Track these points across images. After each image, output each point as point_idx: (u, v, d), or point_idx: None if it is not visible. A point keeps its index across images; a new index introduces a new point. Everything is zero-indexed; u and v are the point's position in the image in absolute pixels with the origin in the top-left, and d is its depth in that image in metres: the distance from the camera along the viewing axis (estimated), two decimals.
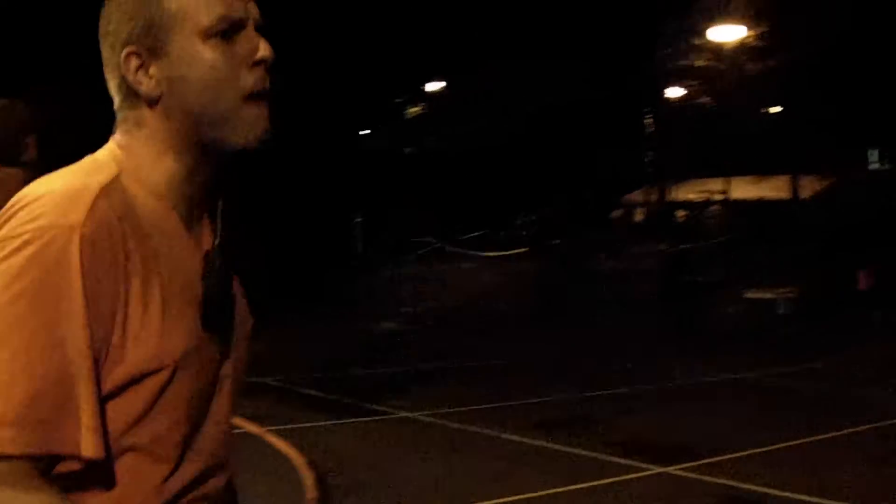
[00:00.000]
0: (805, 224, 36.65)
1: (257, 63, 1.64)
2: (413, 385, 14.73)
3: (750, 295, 21.94)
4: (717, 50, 33.39)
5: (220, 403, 1.69)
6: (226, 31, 1.61)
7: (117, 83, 1.65)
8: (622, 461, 9.82)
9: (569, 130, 43.08)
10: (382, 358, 17.48)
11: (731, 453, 10.10)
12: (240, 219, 1.75)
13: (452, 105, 37.46)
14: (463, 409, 12.72)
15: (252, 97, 1.63)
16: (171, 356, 1.54)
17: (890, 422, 11.76)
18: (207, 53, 1.60)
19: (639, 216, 48.97)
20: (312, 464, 9.42)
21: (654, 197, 45.45)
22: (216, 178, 1.69)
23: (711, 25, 31.18)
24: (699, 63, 35.51)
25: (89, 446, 1.46)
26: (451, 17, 36.19)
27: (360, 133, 41.99)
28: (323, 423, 11.79)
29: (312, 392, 13.68)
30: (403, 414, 12.46)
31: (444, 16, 35.68)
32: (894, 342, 18.65)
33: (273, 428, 10.90)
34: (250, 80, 1.63)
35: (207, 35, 1.60)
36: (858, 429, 11.35)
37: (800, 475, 9.30)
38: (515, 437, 10.95)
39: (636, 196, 48.76)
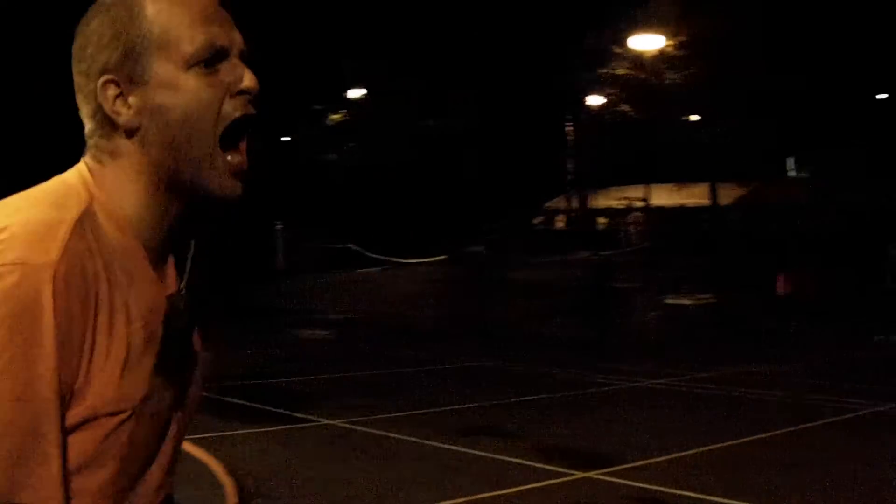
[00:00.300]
0: (724, 231, 37.16)
1: (241, 93, 1.57)
2: (336, 392, 14.70)
3: (669, 301, 22.20)
4: (637, 59, 33.75)
5: (167, 448, 1.63)
6: (209, 60, 1.55)
7: (91, 110, 1.57)
8: (546, 467, 9.87)
9: (488, 139, 43.24)
10: (305, 365, 17.41)
11: (651, 458, 10.22)
12: (209, 265, 1.71)
13: (374, 113, 37.45)
14: (386, 415, 12.71)
15: (233, 130, 1.57)
16: (131, 400, 1.49)
17: (801, 426, 11.98)
18: (190, 82, 1.53)
19: (560, 223, 49.32)
20: (233, 472, 9.36)
21: (575, 204, 45.82)
22: (188, 217, 1.62)
23: (631, 35, 31.50)
24: (619, 72, 35.85)
25: (56, 495, 1.40)
26: (372, 26, 36.20)
27: (282, 140, 41.80)
28: (245, 431, 11.71)
29: (235, 400, 13.57)
30: (326, 421, 12.41)
31: (366, 24, 35.66)
32: (809, 348, 18.98)
33: (195, 437, 10.79)
34: (233, 109, 1.56)
35: (190, 63, 1.53)
36: (771, 433, 11.54)
37: (716, 479, 9.44)
38: (439, 444, 10.95)
39: (557, 203, 49.12)
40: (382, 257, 33.88)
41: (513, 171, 44.18)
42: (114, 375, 1.47)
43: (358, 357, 19.00)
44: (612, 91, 37.37)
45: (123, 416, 1.49)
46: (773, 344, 19.54)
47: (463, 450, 10.67)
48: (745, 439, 11.23)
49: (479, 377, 16.60)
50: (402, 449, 10.86)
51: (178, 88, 1.53)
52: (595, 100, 38.94)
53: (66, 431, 1.43)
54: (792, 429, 11.82)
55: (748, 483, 9.31)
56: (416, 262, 32.42)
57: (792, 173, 46.22)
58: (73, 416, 1.44)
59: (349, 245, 37.55)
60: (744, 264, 27.77)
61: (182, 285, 1.64)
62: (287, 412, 12.85)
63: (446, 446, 10.85)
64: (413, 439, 11.22)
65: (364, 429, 11.92)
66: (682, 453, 10.44)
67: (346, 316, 25.67)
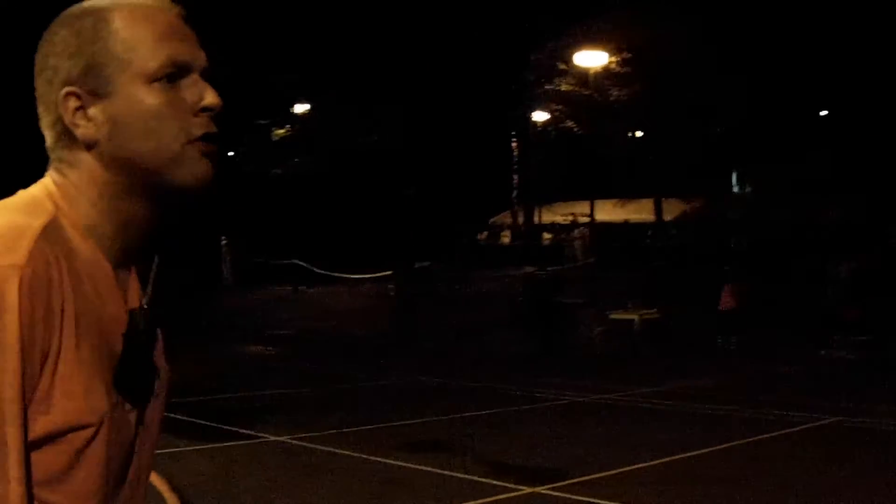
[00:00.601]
0: (668, 246, 37.41)
1: (203, 110, 1.55)
2: (281, 408, 14.59)
3: (615, 316, 22.27)
4: (581, 75, 33.93)
5: (135, 464, 1.60)
6: (171, 76, 1.53)
7: (51, 120, 1.55)
8: (492, 482, 9.83)
9: (434, 154, 43.25)
10: (250, 381, 17.29)
11: (598, 472, 10.21)
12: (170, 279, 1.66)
13: (319, 128, 37.32)
14: (330, 431, 12.63)
15: (196, 141, 1.54)
16: (96, 413, 1.45)
17: (746, 440, 12.05)
18: (152, 98, 1.52)
19: (505, 238, 49.44)
20: (177, 489, 9.23)
21: (520, 219, 45.95)
22: (151, 228, 1.60)
23: (576, 51, 31.66)
24: (564, 88, 36.02)
25: (15, 498, 1.37)
26: (316, 38, 36.11)
27: (227, 154, 41.58)
28: (190, 448, 11.57)
29: (179, 416, 13.41)
30: (272, 437, 12.31)
31: (310, 37, 35.57)
32: (752, 362, 19.11)
33: None
34: (195, 127, 1.54)
35: (153, 79, 1.52)
36: (717, 447, 11.58)
37: (663, 493, 9.45)
38: (383, 459, 10.89)
39: (503, 218, 49.25)
40: (328, 273, 33.79)
41: (459, 187, 44.18)
42: (77, 387, 1.43)
43: (302, 373, 18.90)
44: (558, 107, 37.56)
45: (89, 431, 1.45)
46: (717, 358, 19.66)
47: (407, 465, 10.61)
48: (691, 453, 11.26)
49: (424, 392, 16.56)
50: (345, 464, 10.78)
51: (140, 103, 1.51)
52: (540, 116, 39.11)
53: (29, 443, 1.40)
54: (736, 442, 11.88)
55: (694, 497, 9.33)
56: (362, 278, 32.34)
57: (736, 189, 46.66)
58: (38, 428, 1.41)
59: (295, 260, 37.42)
60: (688, 279, 27.97)
61: (145, 300, 1.61)
62: (232, 428, 12.73)
63: (391, 461, 10.79)
64: (357, 455, 11.15)
65: (308, 444, 11.84)
66: (629, 468, 10.44)
67: (291, 332, 25.56)
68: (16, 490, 1.37)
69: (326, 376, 18.31)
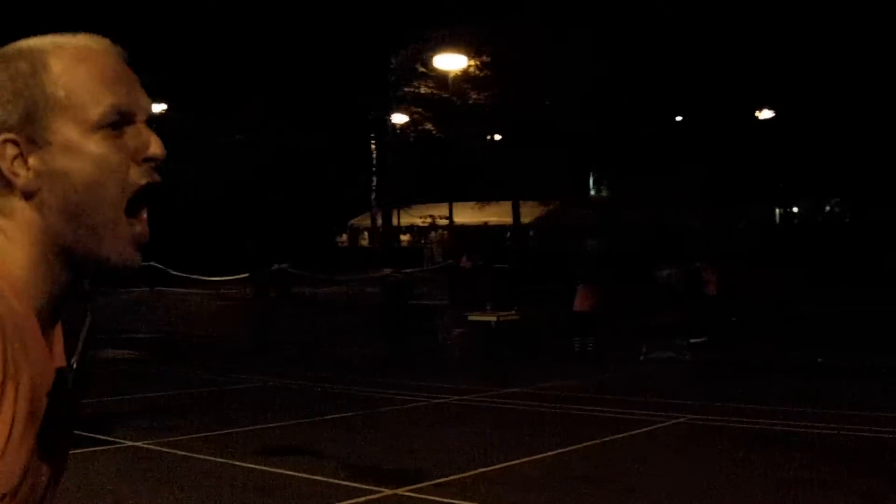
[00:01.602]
0: (526, 248, 37.85)
1: (147, 160, 1.48)
2: (138, 413, 14.32)
3: (473, 318, 22.41)
4: (441, 78, 34.12)
5: None
6: (115, 123, 1.45)
7: None
8: (352, 485, 9.81)
9: (295, 157, 43.03)
10: (105, 386, 16.92)
11: (458, 473, 10.27)
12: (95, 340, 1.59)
13: (177, 130, 36.81)
14: (189, 436, 12.45)
15: (137, 199, 1.47)
16: (12, 479, 1.37)
17: (604, 439, 12.26)
18: (94, 146, 1.43)
19: (364, 241, 49.44)
20: None
21: (379, 221, 46.00)
22: (76, 286, 1.52)
23: (436, 54, 31.83)
24: (423, 90, 36.19)
25: None
26: (174, 38, 35.63)
27: None
28: None
29: None
30: (129, 443, 12.09)
31: (167, 36, 35.09)
32: (606, 363, 19.45)
33: None
34: (139, 177, 1.47)
35: (95, 127, 1.44)
36: (575, 447, 11.76)
37: (523, 493, 9.56)
38: (243, 464, 10.78)
39: (362, 220, 49.22)
40: (186, 275, 33.27)
41: (319, 189, 44.06)
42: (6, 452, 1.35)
43: (159, 377, 18.60)
44: (417, 109, 37.71)
45: (8, 498, 1.37)
46: (573, 359, 19.94)
47: (267, 469, 10.53)
48: (551, 453, 11.41)
49: (282, 396, 16.44)
50: (205, 470, 10.64)
51: (82, 152, 1.43)
52: (400, 118, 39.20)
53: None
54: (595, 442, 12.07)
55: (554, 497, 9.46)
56: (220, 281, 31.95)
57: (592, 192, 47.50)
58: None
59: (152, 263, 36.76)
60: (545, 281, 28.34)
61: (74, 359, 1.53)
62: (88, 434, 12.42)
63: (251, 466, 10.69)
64: (217, 459, 11.02)
65: (167, 450, 11.65)
66: (491, 468, 10.53)
67: (149, 334, 25.12)
68: None
69: (185, 380, 18.04)
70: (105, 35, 1.54)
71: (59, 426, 1.47)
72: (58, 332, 1.54)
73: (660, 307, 23.24)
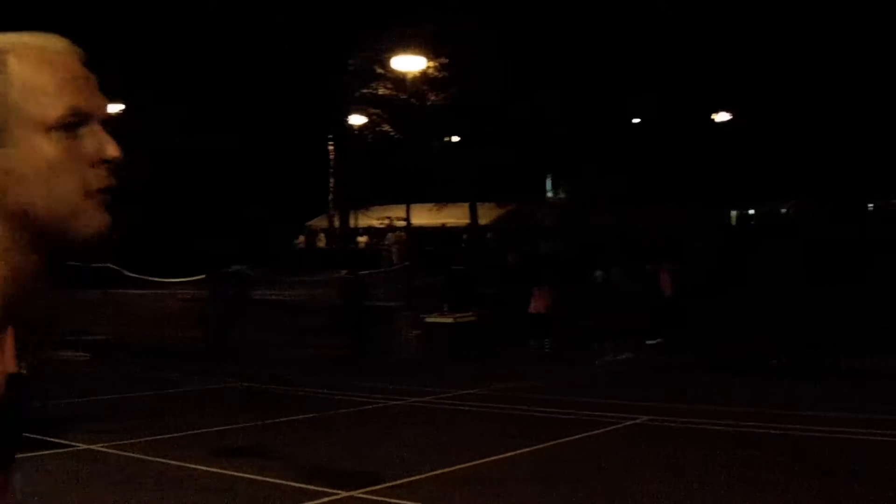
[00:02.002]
0: (483, 250, 37.86)
1: (103, 162, 1.46)
2: (92, 416, 14.19)
3: (430, 319, 22.40)
4: (399, 80, 34.06)
5: None
6: (71, 125, 1.43)
7: None
8: (308, 487, 9.77)
9: (252, 157, 42.84)
10: (61, 388, 16.74)
11: (415, 475, 10.25)
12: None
13: (133, 129, 36.57)
14: (144, 439, 12.35)
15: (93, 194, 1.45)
16: None
17: (561, 440, 12.28)
18: (50, 148, 1.42)
19: (321, 242, 49.25)
20: None
21: (336, 223, 45.84)
22: (35, 284, 1.49)
23: (394, 55, 31.77)
24: (381, 92, 36.14)
25: None
26: (131, 36, 35.40)
27: None
28: None
29: None
30: (83, 446, 11.97)
31: (124, 34, 34.87)
32: (559, 364, 19.49)
33: None
34: (94, 178, 1.45)
35: (51, 128, 1.42)
36: (533, 447, 11.76)
37: (481, 493, 9.56)
38: (199, 466, 10.71)
39: (319, 222, 49.04)
40: (141, 276, 33.02)
41: (277, 190, 43.87)
42: None
43: (115, 379, 18.45)
44: (375, 111, 37.65)
45: None
46: (530, 361, 19.98)
47: (223, 472, 10.46)
48: (509, 454, 11.41)
49: (239, 397, 16.36)
50: (160, 472, 10.56)
51: (37, 155, 1.41)
52: (357, 119, 39.11)
53: None
54: (551, 443, 12.08)
55: (512, 496, 9.46)
56: (176, 282, 31.71)
57: (550, 194, 47.63)
58: None
59: (108, 264, 36.45)
60: (502, 283, 28.36)
61: (23, 364, 1.50)
62: (41, 437, 12.28)
63: (206, 468, 10.62)
64: (172, 462, 10.94)
65: (121, 453, 11.56)
66: (446, 469, 10.51)
67: (103, 336, 24.92)
68: None
69: (140, 382, 17.92)
70: (58, 31, 1.51)
71: (7, 433, 1.44)
72: (10, 338, 1.50)
73: (597, 309, 23.21)
